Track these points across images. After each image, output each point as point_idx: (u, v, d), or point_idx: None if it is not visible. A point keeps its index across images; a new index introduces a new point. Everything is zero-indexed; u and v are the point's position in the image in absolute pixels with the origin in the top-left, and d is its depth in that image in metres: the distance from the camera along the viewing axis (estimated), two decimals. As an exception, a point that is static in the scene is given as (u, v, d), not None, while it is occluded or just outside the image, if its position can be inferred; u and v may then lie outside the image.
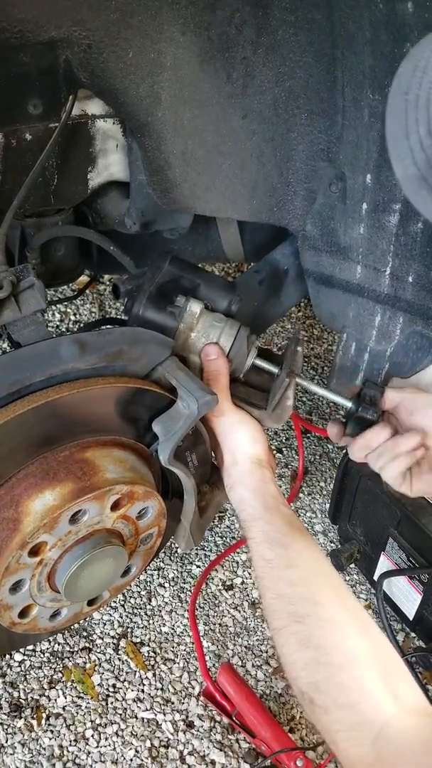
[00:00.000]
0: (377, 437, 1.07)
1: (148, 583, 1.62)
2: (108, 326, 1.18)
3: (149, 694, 1.43)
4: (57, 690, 1.42)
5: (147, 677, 1.46)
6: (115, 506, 0.94)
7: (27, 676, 1.43)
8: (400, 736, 0.72)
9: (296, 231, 1.29)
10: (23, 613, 0.94)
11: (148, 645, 1.51)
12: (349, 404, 1.11)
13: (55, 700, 1.41)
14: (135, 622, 1.55)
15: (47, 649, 1.48)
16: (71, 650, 1.48)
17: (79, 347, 0.87)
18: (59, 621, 1.01)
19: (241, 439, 1.05)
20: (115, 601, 1.57)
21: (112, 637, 1.51)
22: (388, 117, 0.74)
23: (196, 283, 1.08)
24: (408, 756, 0.71)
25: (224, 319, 1.07)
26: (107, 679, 1.45)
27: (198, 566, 1.67)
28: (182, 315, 1.03)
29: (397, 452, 1.05)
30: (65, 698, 1.41)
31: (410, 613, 1.48)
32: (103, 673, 1.46)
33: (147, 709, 1.41)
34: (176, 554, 1.69)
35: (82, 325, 2.23)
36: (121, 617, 1.55)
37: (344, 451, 1.65)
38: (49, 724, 1.37)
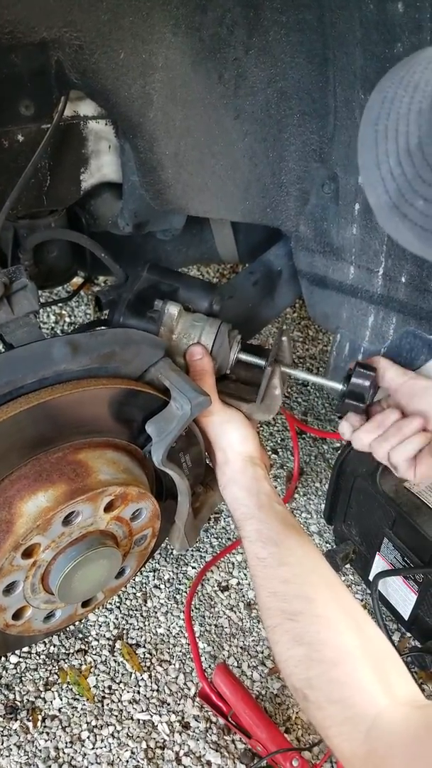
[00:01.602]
0: (388, 418, 1.06)
1: (144, 585, 1.62)
2: (101, 328, 1.18)
3: (145, 695, 1.43)
4: (53, 692, 1.42)
5: (143, 679, 1.46)
6: (108, 508, 0.94)
7: (22, 678, 1.43)
8: (391, 727, 0.73)
9: (289, 232, 1.29)
10: (17, 615, 0.94)
11: (144, 646, 1.51)
12: (338, 386, 1.11)
13: (51, 702, 1.41)
14: (131, 624, 1.54)
15: (43, 651, 1.48)
16: (67, 652, 1.48)
17: (71, 348, 0.87)
18: (53, 623, 1.01)
19: (231, 438, 1.05)
20: (110, 603, 1.57)
21: (108, 639, 1.51)
22: (360, 147, 0.76)
23: (174, 287, 1.10)
24: (399, 747, 0.72)
25: (203, 317, 1.08)
26: (103, 681, 1.45)
27: (193, 567, 1.67)
28: (161, 318, 1.04)
29: (405, 433, 1.04)
30: (61, 700, 1.41)
31: (405, 613, 1.48)
32: (98, 675, 1.45)
33: (143, 711, 1.41)
34: (172, 556, 1.69)
35: (76, 326, 2.23)
36: (117, 619, 1.55)
37: (339, 451, 1.66)
38: (45, 726, 1.37)
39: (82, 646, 1.49)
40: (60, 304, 2.26)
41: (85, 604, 1.04)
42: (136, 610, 1.57)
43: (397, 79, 0.72)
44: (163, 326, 1.05)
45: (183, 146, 1.12)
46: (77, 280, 1.59)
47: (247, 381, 1.14)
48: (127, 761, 1.34)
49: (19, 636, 1.00)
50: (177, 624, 1.55)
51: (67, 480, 0.89)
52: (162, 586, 1.62)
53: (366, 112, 0.74)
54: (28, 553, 0.88)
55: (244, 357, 1.12)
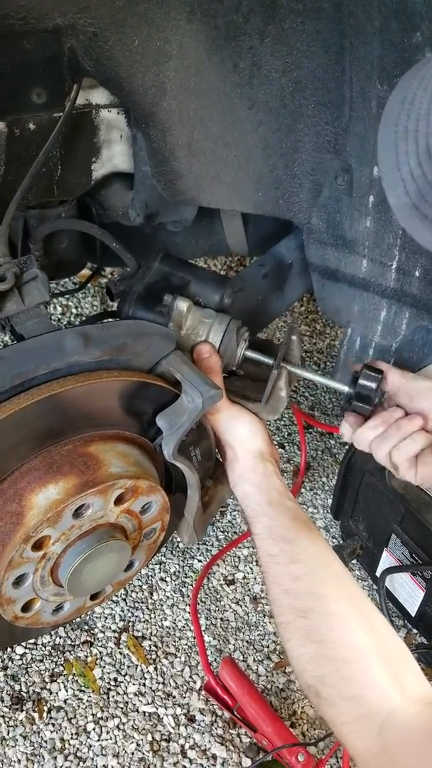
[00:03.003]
0: (390, 416, 1.03)
1: (150, 578, 1.62)
2: (110, 319, 1.17)
3: (150, 688, 1.43)
4: (58, 683, 1.42)
5: (148, 671, 1.46)
6: (118, 501, 0.93)
7: (28, 669, 1.43)
8: (404, 724, 0.73)
9: (301, 224, 1.28)
10: (26, 607, 0.94)
11: (150, 639, 1.51)
12: (345, 389, 1.09)
13: (57, 693, 1.41)
14: (136, 616, 1.54)
15: (49, 642, 1.48)
16: (73, 644, 1.48)
17: (83, 340, 0.86)
18: (62, 615, 1.01)
19: (240, 434, 1.04)
20: (116, 595, 1.57)
21: (114, 631, 1.51)
22: (380, 148, 0.76)
23: (186, 280, 1.08)
24: (411, 744, 0.72)
25: (213, 314, 1.07)
26: (108, 673, 1.45)
27: (200, 561, 1.66)
28: (170, 314, 1.03)
29: (406, 431, 1.02)
30: (66, 691, 1.41)
31: (412, 609, 1.47)
32: (104, 667, 1.45)
33: (148, 703, 1.41)
34: (178, 549, 1.68)
35: (83, 318, 2.22)
36: (123, 611, 1.55)
37: (347, 446, 1.65)
38: (51, 717, 1.37)
39: (88, 638, 1.49)
40: (66, 296, 2.25)
41: (93, 596, 1.04)
42: (142, 602, 1.57)
43: (417, 80, 0.72)
44: (172, 322, 1.04)
45: (196, 136, 1.10)
46: (85, 272, 1.58)
47: (255, 376, 1.13)
48: (133, 753, 1.34)
49: (27, 628, 0.99)
50: (183, 617, 1.55)
51: (78, 472, 0.88)
52: (168, 579, 1.62)
53: (385, 112, 0.75)
54: (38, 546, 0.87)
55: (251, 355, 1.11)
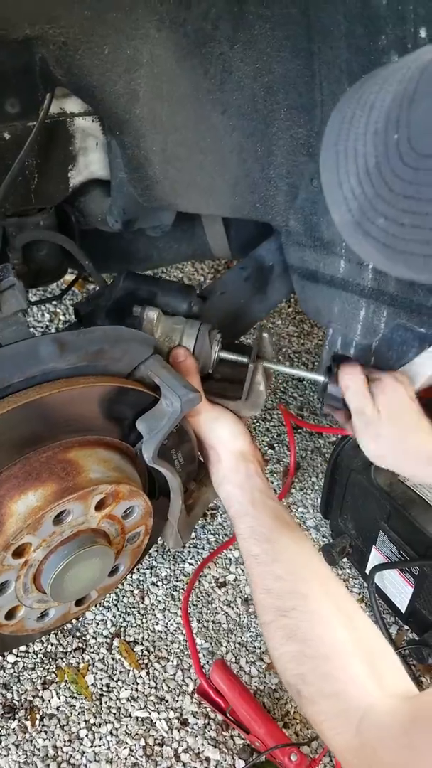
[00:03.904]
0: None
1: (141, 582, 1.62)
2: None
3: (143, 692, 1.43)
4: (50, 690, 1.42)
5: (141, 676, 1.46)
6: (99, 506, 0.94)
7: (20, 678, 1.43)
8: (381, 719, 0.74)
9: (279, 227, 1.29)
10: (10, 615, 0.94)
11: (142, 644, 1.51)
12: (320, 378, 1.12)
13: (49, 700, 1.41)
14: (128, 621, 1.55)
15: (40, 650, 1.48)
16: (64, 651, 1.48)
17: (58, 346, 0.87)
18: (47, 622, 1.01)
19: (221, 436, 1.05)
20: (107, 601, 1.57)
21: (106, 637, 1.51)
22: (322, 167, 0.77)
23: (153, 292, 1.10)
24: (388, 739, 0.72)
25: (183, 320, 1.09)
26: (101, 679, 1.45)
27: (191, 564, 1.67)
28: (141, 324, 1.05)
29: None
30: (59, 699, 1.41)
31: (402, 605, 1.48)
32: (96, 673, 1.46)
33: (141, 708, 1.41)
34: (169, 553, 1.69)
35: (69, 325, 2.23)
36: (114, 616, 1.55)
37: (335, 445, 1.66)
38: (43, 725, 1.37)
39: (80, 645, 1.49)
40: (54, 302, 2.26)
41: (78, 602, 1.04)
42: (134, 607, 1.57)
43: (355, 100, 0.74)
44: (144, 331, 1.05)
45: (170, 142, 1.11)
46: (69, 278, 1.58)
47: (232, 378, 1.14)
48: (126, 759, 1.34)
49: (15, 635, 1.00)
50: (174, 621, 1.55)
51: (57, 479, 0.89)
52: (159, 583, 1.62)
53: (326, 132, 0.76)
54: (18, 553, 0.88)
55: (225, 355, 1.13)
